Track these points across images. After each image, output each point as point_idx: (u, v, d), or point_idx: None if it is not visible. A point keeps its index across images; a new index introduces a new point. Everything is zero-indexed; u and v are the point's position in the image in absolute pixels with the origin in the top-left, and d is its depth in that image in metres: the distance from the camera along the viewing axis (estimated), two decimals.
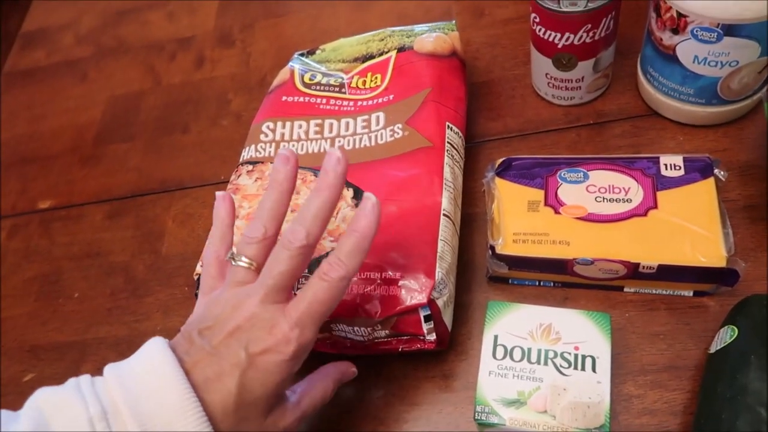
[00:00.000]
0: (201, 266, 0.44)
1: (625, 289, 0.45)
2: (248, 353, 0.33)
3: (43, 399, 0.32)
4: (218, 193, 0.41)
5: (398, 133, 0.46)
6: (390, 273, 0.39)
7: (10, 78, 0.77)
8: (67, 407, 0.31)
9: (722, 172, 0.44)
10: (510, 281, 0.47)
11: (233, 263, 0.36)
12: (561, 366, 0.38)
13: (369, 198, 0.35)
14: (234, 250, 0.37)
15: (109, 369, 0.33)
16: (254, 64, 0.68)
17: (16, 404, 0.32)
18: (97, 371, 0.51)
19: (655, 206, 0.43)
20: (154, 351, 0.33)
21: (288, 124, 0.50)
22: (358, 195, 0.44)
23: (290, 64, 0.55)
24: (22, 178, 0.66)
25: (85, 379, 0.33)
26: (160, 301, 0.54)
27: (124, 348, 0.52)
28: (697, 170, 0.44)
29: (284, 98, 0.52)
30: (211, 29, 0.73)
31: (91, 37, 0.77)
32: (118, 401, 0.31)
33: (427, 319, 0.39)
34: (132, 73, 0.72)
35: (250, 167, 0.48)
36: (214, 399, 0.32)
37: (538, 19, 0.49)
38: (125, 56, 0.74)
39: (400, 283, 0.39)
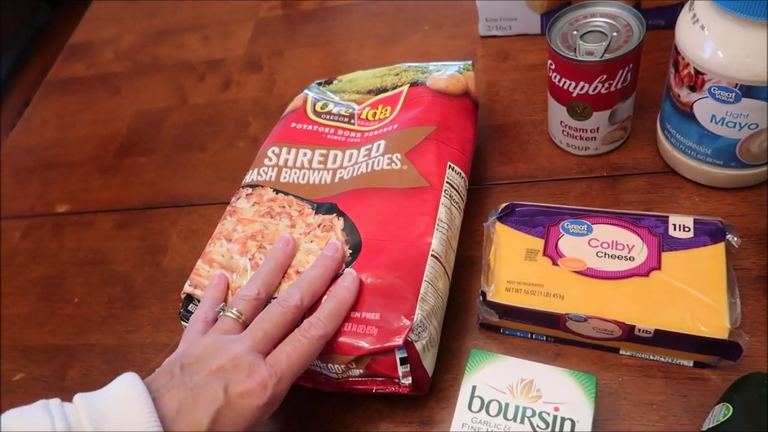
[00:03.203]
0: (189, 285, 0.44)
1: (621, 352, 0.42)
2: (227, 393, 0.34)
3: (9, 417, 0.32)
4: (215, 273, 0.44)
5: (396, 164, 0.45)
6: (368, 310, 0.38)
7: (50, 86, 0.80)
8: (33, 422, 0.31)
9: (735, 238, 0.42)
10: (501, 330, 0.45)
11: (222, 314, 0.39)
12: (538, 426, 0.36)
13: (350, 273, 0.40)
14: (224, 304, 0.41)
15: (78, 396, 0.33)
16: (277, 91, 0.69)
17: (3, 402, 0.32)
18: (83, 377, 0.52)
19: (659, 267, 0.41)
20: (124, 381, 0.34)
21: (293, 150, 0.50)
22: (348, 227, 0.43)
23: (305, 91, 0.56)
24: (43, 182, 0.68)
25: (54, 400, 0.33)
26: (152, 314, 0.54)
27: (111, 357, 0.52)
28: (708, 234, 0.42)
29: (293, 125, 0.52)
30: (241, 54, 0.75)
31: (129, 53, 0.80)
32: (83, 420, 0.31)
33: (403, 361, 0.38)
34: (161, 91, 0.74)
35: (250, 191, 0.48)
36: (182, 431, 0.32)
37: (554, 66, 0.48)
38: (157, 74, 0.76)
39: (378, 321, 0.38)
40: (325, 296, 0.40)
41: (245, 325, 0.39)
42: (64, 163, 0.70)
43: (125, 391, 0.33)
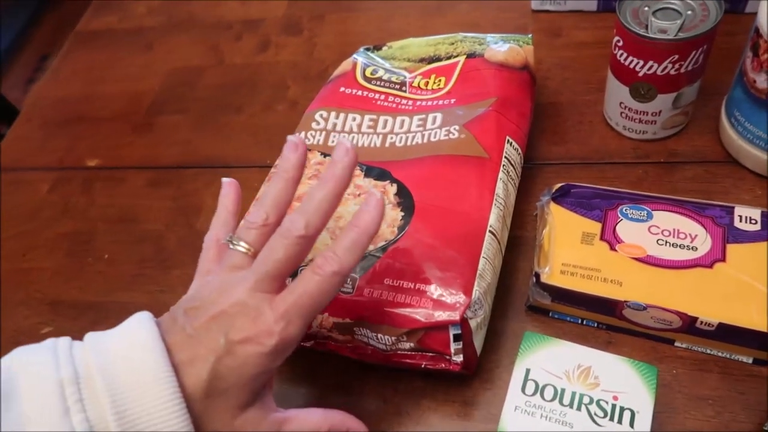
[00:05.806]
0: None
1: (676, 344, 0.41)
2: (227, 340, 0.31)
3: (17, 357, 0.30)
4: (224, 180, 0.40)
5: (454, 134, 0.44)
6: (425, 283, 0.37)
7: (79, 37, 0.78)
8: (38, 367, 0.29)
9: None
10: (550, 314, 0.44)
11: (231, 247, 0.35)
12: (595, 414, 0.34)
13: (373, 194, 0.34)
14: (233, 234, 0.36)
15: (90, 336, 0.32)
16: (318, 55, 0.67)
17: None
18: None
19: (723, 259, 0.40)
20: (137, 322, 0.32)
21: (342, 115, 0.48)
22: (402, 193, 0.41)
23: (354, 56, 0.54)
24: (72, 137, 0.67)
25: (63, 341, 0.31)
26: (186, 275, 0.51)
27: None
28: None
29: (342, 89, 0.50)
30: (280, 15, 0.73)
31: (163, 8, 0.78)
32: (92, 367, 0.30)
33: (456, 338, 0.36)
34: (195, 49, 0.72)
35: None
36: (185, 383, 0.31)
37: (621, 43, 0.46)
38: (192, 31, 0.74)
39: (434, 295, 0.36)
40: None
41: (256, 256, 0.35)
42: (94, 117, 0.68)
43: (137, 333, 0.31)
